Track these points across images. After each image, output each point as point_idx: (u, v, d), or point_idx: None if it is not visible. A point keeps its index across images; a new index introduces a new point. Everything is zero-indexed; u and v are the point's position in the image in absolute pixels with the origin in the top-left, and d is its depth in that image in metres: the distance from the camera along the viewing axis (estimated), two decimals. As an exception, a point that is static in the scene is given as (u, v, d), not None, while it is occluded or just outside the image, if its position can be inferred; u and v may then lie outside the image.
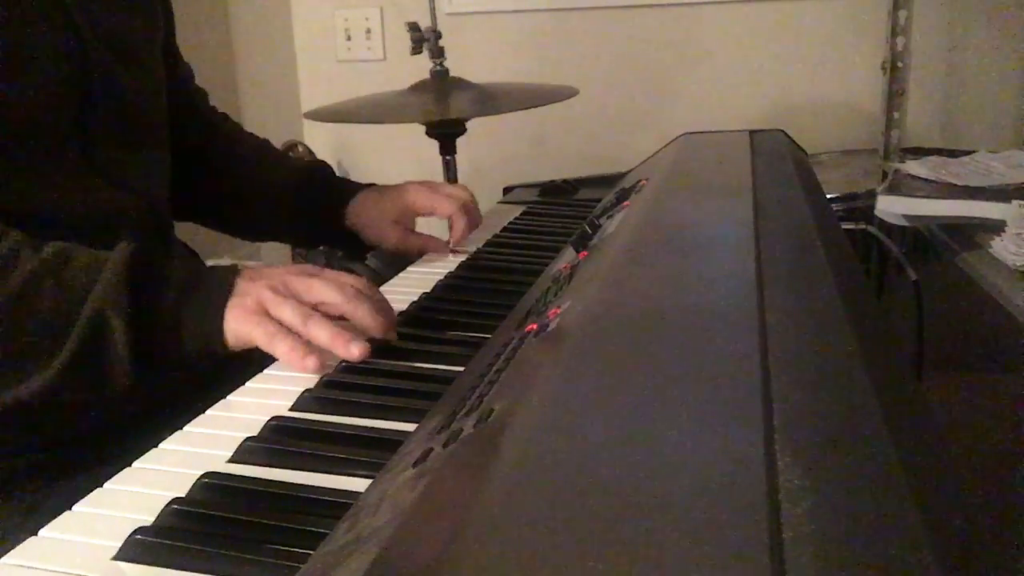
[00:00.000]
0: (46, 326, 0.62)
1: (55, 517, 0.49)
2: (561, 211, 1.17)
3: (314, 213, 1.03)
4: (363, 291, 0.70)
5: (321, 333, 0.66)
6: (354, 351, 0.66)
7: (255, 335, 0.65)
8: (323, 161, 1.11)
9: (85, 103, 0.77)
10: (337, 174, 1.09)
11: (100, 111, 0.78)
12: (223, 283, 0.68)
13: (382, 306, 0.71)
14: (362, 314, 0.68)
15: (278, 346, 0.65)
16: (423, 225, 1.06)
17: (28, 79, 0.72)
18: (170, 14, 0.96)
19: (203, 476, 0.51)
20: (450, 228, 1.00)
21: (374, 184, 1.05)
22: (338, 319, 0.69)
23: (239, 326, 0.66)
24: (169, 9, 0.95)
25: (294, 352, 0.65)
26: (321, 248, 1.93)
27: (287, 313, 0.66)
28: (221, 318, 0.66)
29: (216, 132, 1.06)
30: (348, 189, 1.04)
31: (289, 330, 0.66)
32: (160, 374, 0.66)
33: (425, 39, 1.49)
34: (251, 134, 1.10)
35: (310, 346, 0.66)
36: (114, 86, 0.79)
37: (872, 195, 1.40)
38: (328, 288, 0.68)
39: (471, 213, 1.01)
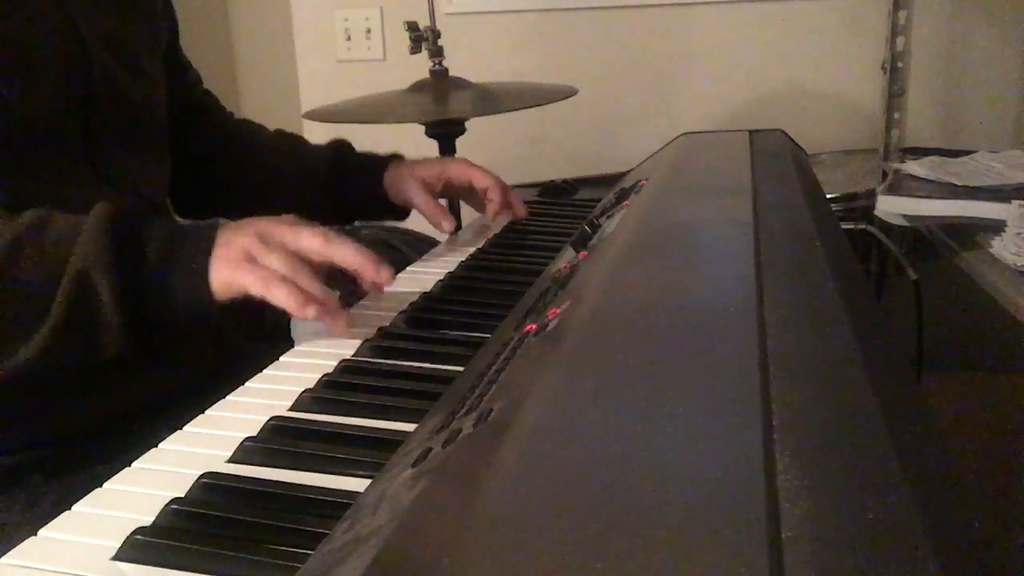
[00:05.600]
0: (31, 293, 0.61)
1: (55, 517, 0.49)
2: (561, 211, 1.17)
3: (352, 183, 1.02)
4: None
5: (312, 284, 0.65)
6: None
7: (247, 281, 0.64)
8: (341, 139, 1.10)
9: (87, 106, 0.77)
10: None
11: (102, 114, 0.78)
12: (206, 235, 0.66)
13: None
14: (347, 253, 0.68)
15: (275, 291, 0.64)
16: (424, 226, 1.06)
17: (32, 82, 0.72)
18: (174, 24, 0.96)
19: (203, 476, 0.51)
20: (486, 201, 1.01)
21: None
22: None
23: (228, 274, 0.64)
24: (173, 19, 0.96)
25: (292, 298, 0.64)
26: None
27: (275, 261, 0.65)
28: (207, 269, 0.64)
29: (231, 130, 1.07)
30: (380, 155, 1.04)
31: (283, 277, 0.65)
32: (157, 337, 0.65)
33: (424, 39, 1.49)
34: (261, 126, 1.10)
35: (306, 293, 0.64)
36: (116, 90, 0.80)
37: (872, 195, 1.40)
38: (312, 236, 0.68)
39: (508, 192, 1.02)
